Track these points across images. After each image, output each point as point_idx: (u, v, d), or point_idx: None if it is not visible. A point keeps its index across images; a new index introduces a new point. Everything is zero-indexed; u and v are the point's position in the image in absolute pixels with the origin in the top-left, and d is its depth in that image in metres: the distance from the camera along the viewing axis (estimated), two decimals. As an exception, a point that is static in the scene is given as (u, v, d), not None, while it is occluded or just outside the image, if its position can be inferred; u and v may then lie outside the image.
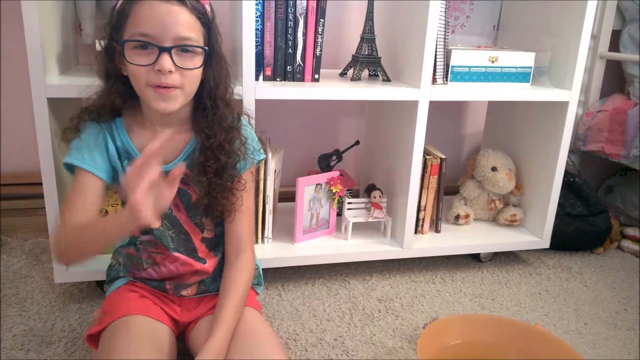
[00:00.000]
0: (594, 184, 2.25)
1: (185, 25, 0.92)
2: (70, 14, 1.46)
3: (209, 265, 1.10)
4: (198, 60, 0.95)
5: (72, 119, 1.01)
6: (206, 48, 0.96)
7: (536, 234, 1.74)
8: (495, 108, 1.95)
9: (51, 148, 1.22)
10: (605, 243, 1.88)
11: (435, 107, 1.45)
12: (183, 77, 0.93)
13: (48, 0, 1.23)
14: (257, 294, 1.19)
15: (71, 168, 0.98)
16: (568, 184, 1.84)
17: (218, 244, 1.12)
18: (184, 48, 0.92)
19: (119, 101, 1.00)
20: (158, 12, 0.90)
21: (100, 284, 1.42)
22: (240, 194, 1.06)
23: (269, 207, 1.49)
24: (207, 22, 0.97)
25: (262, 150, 1.13)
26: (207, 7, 0.97)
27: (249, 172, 1.08)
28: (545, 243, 1.72)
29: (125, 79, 0.97)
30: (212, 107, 1.01)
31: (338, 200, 1.60)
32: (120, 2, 0.94)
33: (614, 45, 2.08)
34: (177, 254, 1.07)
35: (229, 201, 1.04)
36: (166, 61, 0.90)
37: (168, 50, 0.90)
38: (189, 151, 1.04)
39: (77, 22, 1.52)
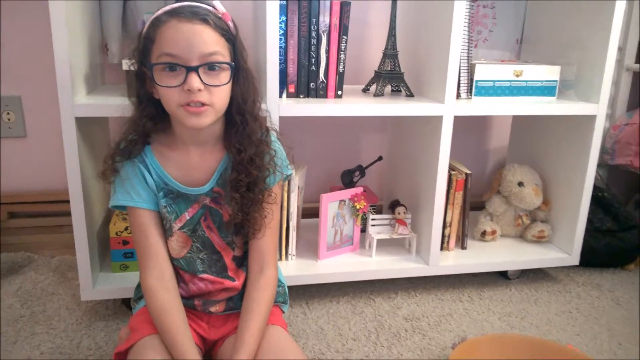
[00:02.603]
0: (623, 198, 2.20)
1: (210, 43, 0.93)
2: (97, 34, 1.49)
3: (239, 282, 1.10)
4: (225, 77, 0.96)
5: (105, 160, 1.02)
6: (232, 64, 0.97)
7: (565, 250, 1.70)
8: (520, 122, 1.93)
9: (79, 166, 1.23)
10: (636, 259, 1.83)
11: (458, 122, 1.43)
12: (212, 95, 0.94)
13: (76, 20, 1.25)
14: (283, 312, 1.17)
15: (121, 207, 1.03)
16: (596, 199, 1.79)
17: (245, 259, 1.12)
18: (210, 65, 0.93)
19: (149, 124, 1.01)
20: (182, 33, 0.91)
21: (126, 302, 1.42)
22: (270, 207, 1.06)
23: (293, 223, 1.48)
24: (232, 38, 0.98)
25: (290, 166, 1.13)
26: (230, 24, 0.98)
27: (277, 186, 1.09)
28: (575, 260, 1.68)
29: (157, 102, 0.99)
30: (241, 123, 1.02)
31: (362, 216, 1.58)
32: (145, 27, 0.95)
33: (641, 57, 2.05)
34: (205, 275, 1.08)
35: (260, 215, 1.04)
36: (194, 80, 0.91)
37: (195, 69, 0.91)
38: (222, 169, 1.04)
39: (104, 42, 1.55)
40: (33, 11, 1.59)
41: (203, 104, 0.93)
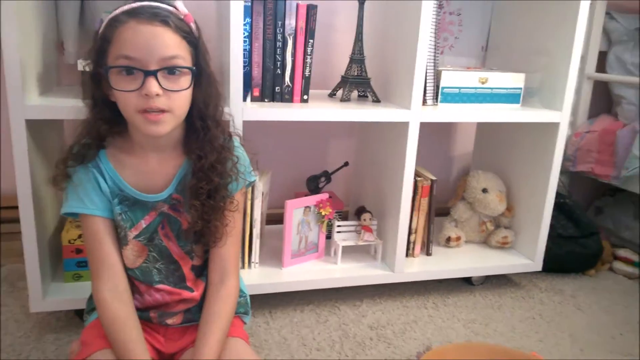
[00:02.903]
0: (584, 204, 2.24)
1: (170, 46, 0.88)
2: (52, 33, 1.42)
3: (197, 293, 1.06)
4: (185, 81, 0.92)
5: (57, 165, 0.97)
6: (193, 68, 0.93)
7: (528, 256, 1.71)
8: (485, 129, 1.94)
9: (29, 170, 1.17)
10: (597, 265, 1.86)
11: (424, 128, 1.42)
12: (171, 100, 0.90)
13: (28, 17, 1.19)
14: (244, 323, 1.13)
15: (73, 215, 0.98)
16: (559, 205, 1.82)
17: (205, 269, 1.08)
18: (170, 70, 0.89)
19: (104, 128, 0.96)
20: (141, 35, 0.86)
21: (79, 313, 1.35)
22: (232, 215, 1.02)
23: (256, 230, 1.44)
24: (194, 41, 0.94)
25: (254, 172, 1.09)
26: (193, 25, 0.94)
27: (240, 193, 1.05)
28: (538, 266, 1.70)
29: (112, 105, 0.94)
30: (202, 128, 0.98)
31: (327, 223, 1.56)
32: (102, 27, 0.90)
33: (601, 67, 2.09)
34: (162, 286, 1.03)
35: (222, 223, 1.00)
36: (152, 85, 0.87)
37: (154, 73, 0.87)
38: (181, 176, 1.00)
39: (59, 41, 1.48)
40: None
41: (162, 110, 0.89)
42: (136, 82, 0.87)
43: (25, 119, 1.15)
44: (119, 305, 0.95)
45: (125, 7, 0.89)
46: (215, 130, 0.99)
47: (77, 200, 0.96)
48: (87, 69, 0.94)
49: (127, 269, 1.01)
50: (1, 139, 1.60)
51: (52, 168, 0.98)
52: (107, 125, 0.96)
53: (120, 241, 1.00)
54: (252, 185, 1.12)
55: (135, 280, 1.03)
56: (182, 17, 0.92)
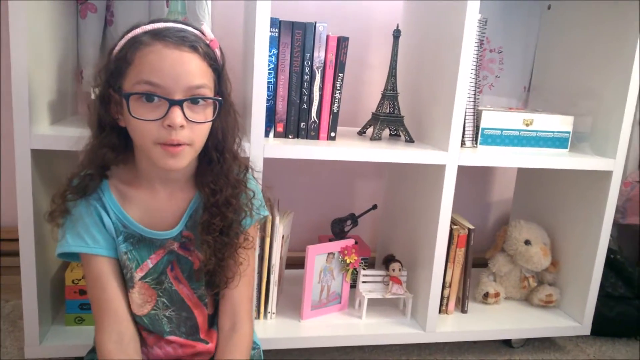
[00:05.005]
0: (634, 260, 2.05)
1: (197, 74, 0.80)
2: (72, 60, 1.37)
3: (212, 345, 0.96)
4: (209, 113, 0.84)
5: (54, 199, 0.87)
6: (220, 99, 0.85)
7: (575, 317, 1.54)
8: (527, 174, 1.80)
9: (32, 203, 1.09)
10: (652, 330, 1.67)
11: (459, 171, 1.30)
12: (193, 132, 0.81)
13: (43, 44, 1.13)
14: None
15: (70, 256, 0.88)
16: (608, 262, 1.64)
17: (217, 317, 0.98)
18: (194, 100, 0.81)
19: (110, 156, 0.87)
20: (167, 61, 0.78)
21: (78, 361, 1.24)
22: (246, 253, 0.93)
23: (274, 277, 1.32)
24: (218, 68, 0.86)
25: (265, 206, 1.00)
26: (218, 52, 0.86)
27: (254, 228, 0.96)
28: (586, 329, 1.52)
29: (120, 130, 0.85)
30: (218, 161, 0.90)
31: (352, 271, 1.43)
32: (120, 47, 0.82)
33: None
34: (173, 337, 0.93)
35: (235, 261, 0.91)
36: (177, 115, 0.78)
37: (179, 103, 0.79)
38: (192, 210, 0.91)
39: (79, 70, 1.42)
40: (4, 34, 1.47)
41: (180, 144, 0.80)
42: (158, 111, 0.79)
43: (31, 148, 1.07)
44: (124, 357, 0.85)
45: (148, 27, 0.81)
46: (232, 162, 0.92)
47: (76, 239, 0.86)
48: (96, 89, 0.86)
49: (134, 317, 0.91)
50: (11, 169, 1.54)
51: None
52: (113, 153, 0.87)
53: (126, 283, 0.90)
54: (265, 220, 1.03)
55: (144, 331, 0.93)
56: (209, 42, 0.84)
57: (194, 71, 0.80)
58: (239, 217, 0.91)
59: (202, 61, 0.81)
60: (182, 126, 0.79)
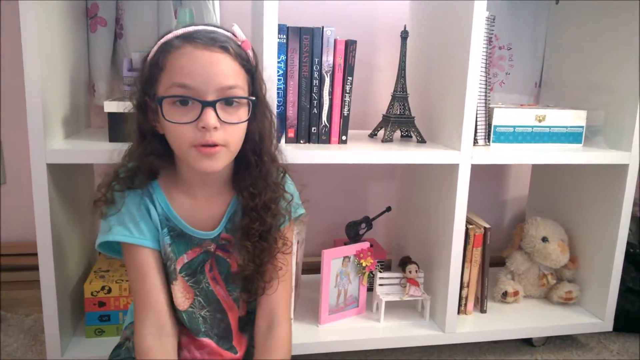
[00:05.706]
0: (654, 254, 2.02)
1: (229, 74, 0.80)
2: (84, 74, 1.38)
3: (240, 354, 0.97)
4: (244, 113, 0.83)
5: (100, 188, 0.88)
6: (253, 98, 0.84)
7: (596, 314, 1.51)
8: (542, 171, 1.78)
9: (49, 217, 1.10)
10: (676, 324, 1.64)
11: (473, 169, 1.29)
12: (228, 134, 0.81)
13: (55, 59, 1.15)
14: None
15: (111, 248, 0.90)
16: (628, 256, 1.62)
17: (247, 323, 0.98)
18: (228, 100, 0.80)
19: (157, 162, 0.87)
20: (198, 62, 0.78)
21: (100, 371, 1.25)
22: (285, 258, 0.93)
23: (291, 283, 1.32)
24: (251, 69, 0.85)
25: (302, 205, 1.00)
26: (250, 53, 0.86)
27: (289, 229, 0.96)
28: (608, 325, 1.50)
29: (161, 137, 0.86)
30: (256, 164, 0.89)
31: (368, 274, 1.42)
32: (153, 53, 0.83)
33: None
34: (206, 340, 0.94)
35: (274, 266, 0.91)
36: (211, 117, 0.78)
37: (212, 104, 0.79)
38: (231, 213, 0.91)
39: (91, 83, 1.44)
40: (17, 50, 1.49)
41: (217, 144, 0.80)
42: (192, 113, 0.79)
43: (47, 163, 1.08)
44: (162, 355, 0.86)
45: (179, 32, 0.81)
46: (271, 165, 0.91)
47: (121, 228, 0.86)
48: (134, 99, 0.86)
49: (175, 311, 0.92)
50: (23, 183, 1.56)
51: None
52: (159, 159, 0.87)
53: (169, 277, 0.90)
54: (301, 217, 1.02)
55: (183, 327, 0.94)
56: (240, 43, 0.84)
57: (225, 71, 0.80)
58: (277, 222, 0.91)
59: (233, 61, 0.81)
60: (215, 128, 0.79)
